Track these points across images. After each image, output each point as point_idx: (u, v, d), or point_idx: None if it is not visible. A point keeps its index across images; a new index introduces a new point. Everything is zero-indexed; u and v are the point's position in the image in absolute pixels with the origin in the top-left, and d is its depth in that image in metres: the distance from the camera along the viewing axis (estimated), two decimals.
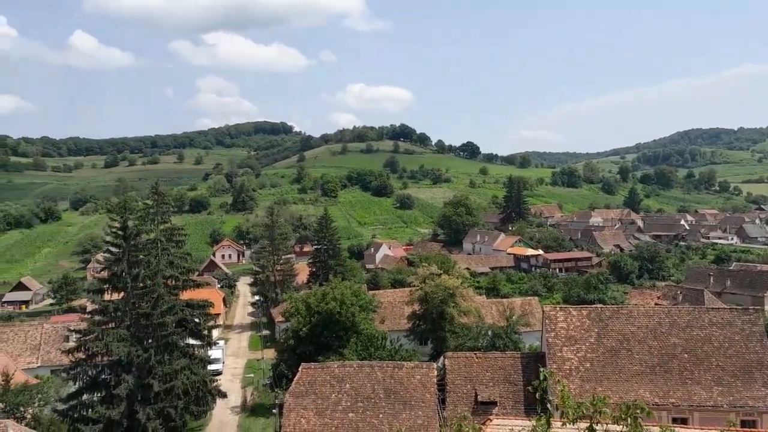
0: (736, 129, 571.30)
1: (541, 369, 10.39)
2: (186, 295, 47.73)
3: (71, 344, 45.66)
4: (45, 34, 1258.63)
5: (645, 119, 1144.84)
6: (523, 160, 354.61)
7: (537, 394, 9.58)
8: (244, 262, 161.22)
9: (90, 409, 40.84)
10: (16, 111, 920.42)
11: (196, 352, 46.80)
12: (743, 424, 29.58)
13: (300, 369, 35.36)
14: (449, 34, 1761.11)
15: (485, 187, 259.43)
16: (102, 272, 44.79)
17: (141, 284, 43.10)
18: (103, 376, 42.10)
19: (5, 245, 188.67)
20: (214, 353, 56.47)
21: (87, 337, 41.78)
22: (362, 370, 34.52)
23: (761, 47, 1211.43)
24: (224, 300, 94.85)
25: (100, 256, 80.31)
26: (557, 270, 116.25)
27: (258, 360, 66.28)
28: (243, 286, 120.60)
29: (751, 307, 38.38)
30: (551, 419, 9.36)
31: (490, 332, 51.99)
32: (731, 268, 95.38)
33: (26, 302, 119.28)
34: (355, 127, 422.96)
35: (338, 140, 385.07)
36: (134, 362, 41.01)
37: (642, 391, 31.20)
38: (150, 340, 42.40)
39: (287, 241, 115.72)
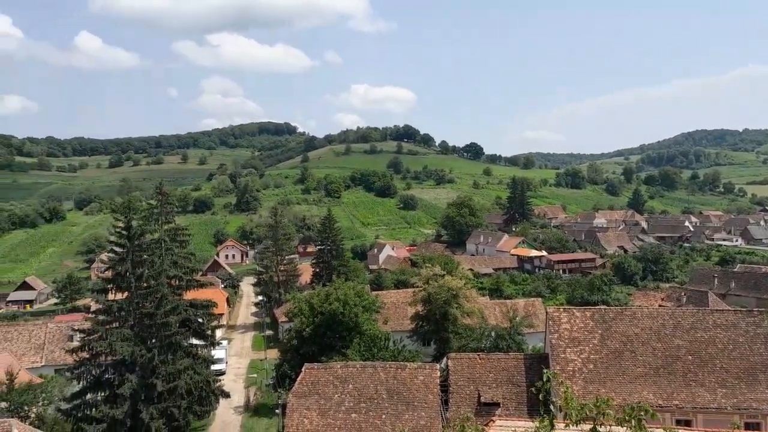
0: (741, 130, 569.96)
1: (545, 370, 10.37)
2: (189, 295, 47.88)
3: (75, 344, 45.82)
4: (50, 35, 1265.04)
5: (649, 120, 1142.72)
6: (526, 161, 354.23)
7: (540, 396, 9.56)
8: (247, 262, 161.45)
9: (94, 409, 40.94)
10: (22, 111, 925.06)
11: (200, 352, 46.93)
12: (747, 426, 29.49)
13: (303, 369, 35.38)
14: (453, 35, 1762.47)
15: (489, 188, 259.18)
16: (106, 272, 44.96)
17: (145, 284, 43.21)
18: (106, 376, 42.22)
19: (10, 245, 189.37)
20: (217, 353, 56.59)
21: (91, 337, 41.91)
22: (365, 371, 34.53)
23: (766, 48, 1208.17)
24: (228, 300, 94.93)
25: (104, 256, 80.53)
26: (561, 271, 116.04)
27: (261, 360, 66.36)
28: (246, 286, 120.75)
29: (756, 309, 38.22)
30: (554, 421, 9.35)
31: (493, 333, 51.97)
32: (736, 269, 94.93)
33: (30, 302, 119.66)
34: (358, 127, 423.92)
35: (342, 141, 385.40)
36: (138, 362, 41.11)
37: (645, 393, 31.12)
38: (153, 340, 42.50)
39: (291, 242, 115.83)
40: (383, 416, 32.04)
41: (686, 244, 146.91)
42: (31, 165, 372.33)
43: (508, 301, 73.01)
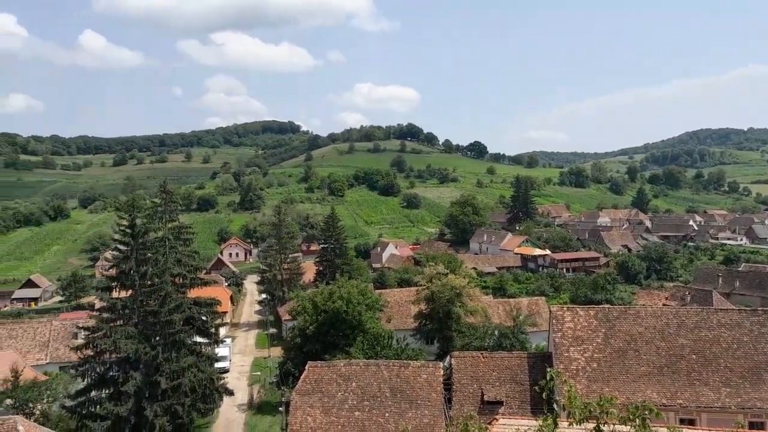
0: (745, 129, 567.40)
1: (548, 369, 10.37)
2: (193, 293, 47.99)
3: (80, 341, 45.93)
4: (54, 34, 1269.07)
5: (654, 119, 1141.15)
6: (530, 160, 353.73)
7: (544, 394, 9.54)
8: (251, 260, 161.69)
9: (98, 406, 41.08)
10: (26, 110, 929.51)
11: (204, 350, 47.05)
12: (751, 425, 29.41)
13: (306, 367, 35.43)
14: (456, 34, 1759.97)
15: (492, 186, 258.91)
16: (110, 270, 45.13)
17: (149, 282, 43.31)
18: (111, 373, 42.35)
19: (15, 243, 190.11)
20: (221, 351, 56.71)
21: (95, 334, 42.06)
22: (368, 369, 34.56)
23: (766, 48, 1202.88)
24: (231, 298, 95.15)
25: (108, 254, 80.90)
26: (564, 270, 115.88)
27: (265, 358, 66.48)
28: (250, 284, 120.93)
29: (760, 309, 38.14)
30: (558, 419, 9.34)
31: (496, 332, 51.91)
32: (740, 269, 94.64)
33: (35, 299, 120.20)
34: (362, 126, 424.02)
35: (345, 140, 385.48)
36: (142, 359, 41.23)
37: (649, 392, 31.07)
38: (158, 338, 42.62)
39: (294, 240, 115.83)
40: (386, 414, 32.07)
41: (690, 243, 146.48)
42: (36, 163, 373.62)
43: (511, 299, 72.96)
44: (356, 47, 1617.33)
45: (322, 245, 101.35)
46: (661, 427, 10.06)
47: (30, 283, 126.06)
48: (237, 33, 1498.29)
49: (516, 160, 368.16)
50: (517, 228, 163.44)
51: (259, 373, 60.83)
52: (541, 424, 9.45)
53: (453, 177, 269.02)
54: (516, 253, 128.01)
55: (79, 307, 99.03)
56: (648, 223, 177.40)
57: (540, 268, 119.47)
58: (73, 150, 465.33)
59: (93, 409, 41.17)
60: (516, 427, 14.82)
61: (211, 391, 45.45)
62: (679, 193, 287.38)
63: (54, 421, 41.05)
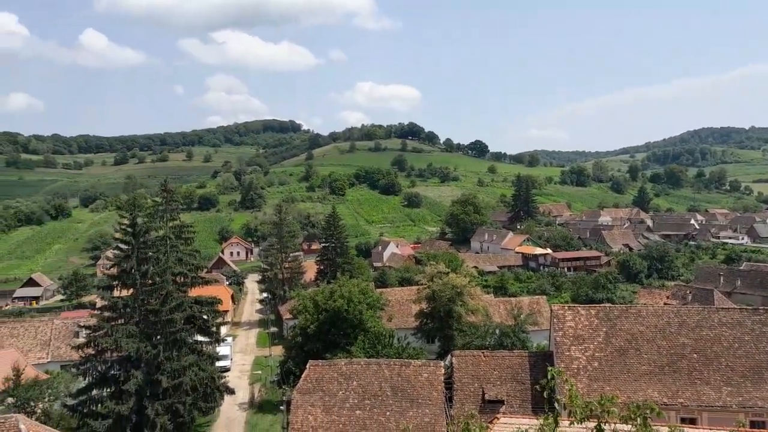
0: (747, 128, 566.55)
1: (549, 368, 10.36)
2: (194, 292, 47.99)
3: (81, 340, 46.01)
4: (56, 33, 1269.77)
5: (655, 118, 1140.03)
6: (531, 159, 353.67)
7: (545, 393, 9.54)
8: (252, 259, 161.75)
9: (99, 405, 41.16)
10: (28, 109, 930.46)
11: (205, 349, 47.08)
12: (752, 424, 29.36)
13: (308, 366, 35.44)
14: (458, 33, 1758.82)
15: (493, 185, 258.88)
16: (111, 269, 45.13)
17: (150, 281, 43.34)
18: (112, 372, 42.39)
19: (16, 242, 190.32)
20: (222, 350, 56.76)
21: (96, 333, 42.11)
22: (369, 368, 34.56)
23: (766, 48, 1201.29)
24: (232, 297, 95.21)
25: (109, 253, 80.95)
26: (565, 269, 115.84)
27: (266, 357, 66.52)
28: (251, 283, 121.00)
29: (762, 308, 38.08)
30: (559, 418, 9.33)
31: (497, 331, 51.90)
32: (741, 267, 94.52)
33: (37, 298, 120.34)
34: (363, 125, 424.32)
35: (346, 138, 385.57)
36: (143, 358, 41.26)
37: (650, 391, 31.05)
38: (159, 337, 42.65)
39: (295, 239, 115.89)
40: (387, 413, 32.07)
41: (692, 242, 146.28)
42: (37, 162, 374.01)
43: (512, 298, 72.99)
44: (357, 46, 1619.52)
45: (323, 244, 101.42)
46: (662, 426, 10.05)
47: (31, 282, 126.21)
48: (238, 31, 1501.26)
49: (517, 159, 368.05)
50: (518, 227, 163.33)
51: (260, 371, 60.90)
52: (542, 423, 9.45)
53: (454, 176, 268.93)
54: (517, 252, 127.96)
55: (81, 306, 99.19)
56: (649, 222, 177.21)
57: (541, 267, 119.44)
58: (74, 149, 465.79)
59: (94, 408, 41.24)
60: (517, 426, 14.80)
61: (212, 390, 45.48)
62: (681, 192, 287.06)
63: (55, 419, 41.10)
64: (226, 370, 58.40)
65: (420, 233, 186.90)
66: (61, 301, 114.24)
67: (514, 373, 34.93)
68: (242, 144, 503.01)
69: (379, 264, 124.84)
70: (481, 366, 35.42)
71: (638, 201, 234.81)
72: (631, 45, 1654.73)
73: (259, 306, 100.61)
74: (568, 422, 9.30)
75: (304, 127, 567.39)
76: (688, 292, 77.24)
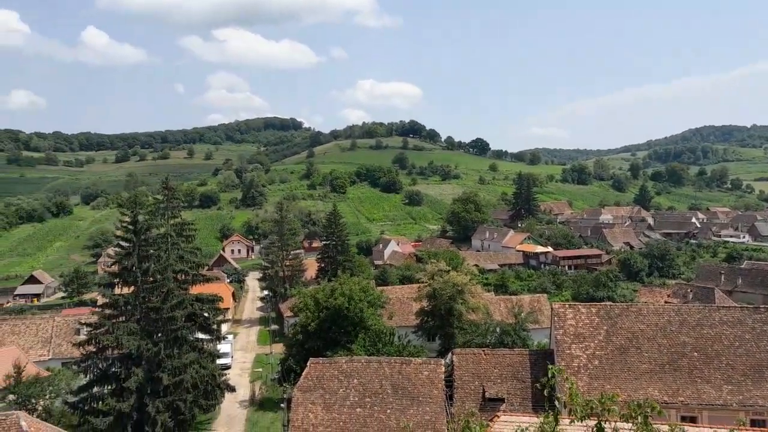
0: (749, 126, 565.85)
1: (550, 366, 10.36)
2: (195, 290, 48.06)
3: (82, 337, 46.06)
4: (57, 31, 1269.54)
5: (656, 116, 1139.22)
6: (533, 157, 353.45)
7: (545, 391, 9.55)
8: (253, 257, 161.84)
9: (100, 402, 41.26)
10: (29, 106, 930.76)
11: (205, 346, 47.12)
12: (753, 423, 29.34)
13: (308, 364, 35.47)
14: (459, 30, 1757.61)
15: (495, 183, 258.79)
16: (113, 266, 45.14)
17: (151, 278, 43.38)
18: (113, 369, 42.46)
19: (18, 239, 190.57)
20: (223, 347, 56.82)
21: (98, 331, 42.15)
22: (370, 366, 34.59)
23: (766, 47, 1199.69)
24: (233, 295, 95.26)
25: (110, 251, 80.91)
26: (566, 267, 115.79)
27: (266, 354, 66.57)
28: (252, 281, 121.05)
29: (763, 306, 38.04)
30: (559, 416, 9.33)
31: (498, 329, 51.87)
32: (743, 266, 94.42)
33: (38, 295, 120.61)
34: (364, 123, 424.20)
35: (347, 136, 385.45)
36: (144, 356, 41.32)
37: (651, 389, 31.05)
38: (160, 334, 42.69)
39: (296, 237, 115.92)
40: (388, 411, 32.10)
41: (693, 241, 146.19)
42: (39, 160, 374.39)
43: (513, 297, 72.97)
44: (358, 44, 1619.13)
45: (324, 242, 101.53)
46: (662, 424, 10.04)
47: (32, 280, 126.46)
48: (239, 29, 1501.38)
49: (518, 157, 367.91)
50: (519, 225, 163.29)
51: (260, 369, 60.93)
52: (542, 421, 9.45)
53: (455, 174, 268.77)
54: (518, 251, 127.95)
55: (82, 304, 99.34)
56: (650, 221, 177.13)
57: (542, 266, 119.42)
58: (76, 146, 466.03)
59: (95, 405, 41.33)
60: (517, 424, 14.79)
61: (213, 388, 45.54)
62: (682, 191, 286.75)
63: (56, 416, 41.18)
64: (227, 367, 58.47)
65: (421, 231, 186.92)
66: (63, 298, 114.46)
67: (514, 372, 34.95)
68: (243, 142, 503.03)
69: (379, 262, 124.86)
70: (482, 364, 35.44)
71: (639, 199, 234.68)
72: (631, 45, 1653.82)
73: (259, 304, 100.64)
74: (569, 420, 9.31)
75: (306, 125, 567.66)
76: (689, 290, 77.18)
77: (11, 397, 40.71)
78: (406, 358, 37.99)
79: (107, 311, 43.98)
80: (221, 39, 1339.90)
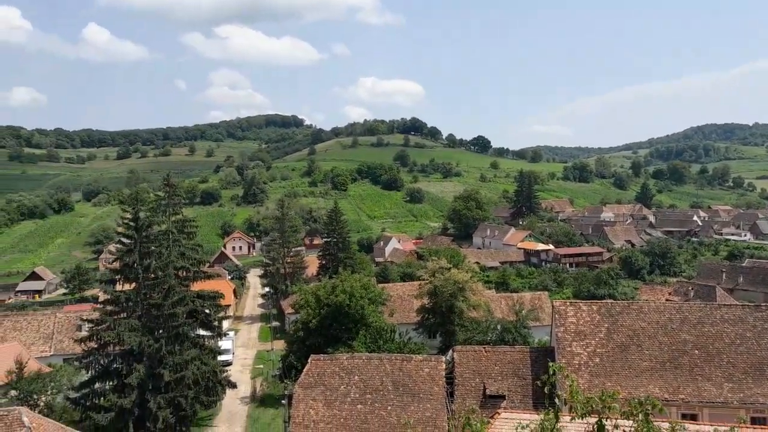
0: (750, 124, 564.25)
1: (550, 363, 10.37)
2: (197, 287, 48.09)
3: (84, 333, 46.16)
4: (59, 27, 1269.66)
5: (658, 114, 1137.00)
6: (534, 155, 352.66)
7: (546, 389, 9.55)
8: (254, 254, 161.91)
9: (102, 398, 41.35)
10: (31, 103, 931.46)
11: (207, 343, 47.19)
12: (753, 421, 29.37)
13: (309, 360, 35.54)
14: (461, 28, 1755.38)
15: (496, 181, 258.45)
16: (114, 263, 45.20)
17: (152, 275, 43.45)
18: (114, 366, 42.58)
19: (19, 235, 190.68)
20: (224, 344, 56.91)
21: (99, 327, 42.25)
22: (371, 363, 34.65)
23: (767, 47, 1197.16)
24: (235, 291, 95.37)
25: (112, 247, 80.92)
26: (567, 265, 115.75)
27: (268, 351, 66.68)
28: (253, 277, 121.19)
29: (764, 304, 38.04)
30: (560, 414, 9.34)
31: (499, 326, 51.96)
32: (744, 264, 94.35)
33: (39, 292, 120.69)
34: (365, 120, 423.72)
35: (349, 134, 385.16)
36: (145, 352, 41.40)
37: (652, 387, 31.08)
38: (161, 331, 42.77)
39: (297, 234, 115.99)
40: (389, 407, 32.16)
41: (694, 239, 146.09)
42: (40, 156, 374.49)
43: (514, 294, 73.01)
44: (360, 41, 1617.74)
45: (325, 239, 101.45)
46: (663, 422, 10.05)
47: (34, 276, 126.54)
48: (241, 26, 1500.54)
49: (520, 154, 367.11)
50: (521, 223, 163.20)
51: (261, 366, 61.05)
52: (543, 418, 9.45)
53: (456, 171, 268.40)
54: (519, 248, 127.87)
55: (83, 300, 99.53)
56: (651, 219, 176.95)
57: (543, 263, 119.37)
58: (77, 143, 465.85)
59: (97, 401, 41.46)
60: (518, 421, 14.80)
61: (214, 384, 45.63)
62: (683, 189, 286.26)
63: (58, 412, 41.31)
64: (228, 364, 58.56)
65: (422, 229, 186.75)
66: (64, 294, 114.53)
67: (515, 369, 34.99)
68: (245, 139, 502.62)
69: (380, 259, 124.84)
70: (483, 361, 35.48)
71: (641, 197, 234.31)
72: (632, 44, 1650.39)
73: (261, 300, 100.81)
74: (569, 418, 9.31)
75: (307, 122, 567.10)
76: (690, 288, 77.11)
77: (13, 392, 40.85)
78: (407, 355, 38.05)
79: (109, 308, 44.07)
80: (223, 36, 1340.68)
